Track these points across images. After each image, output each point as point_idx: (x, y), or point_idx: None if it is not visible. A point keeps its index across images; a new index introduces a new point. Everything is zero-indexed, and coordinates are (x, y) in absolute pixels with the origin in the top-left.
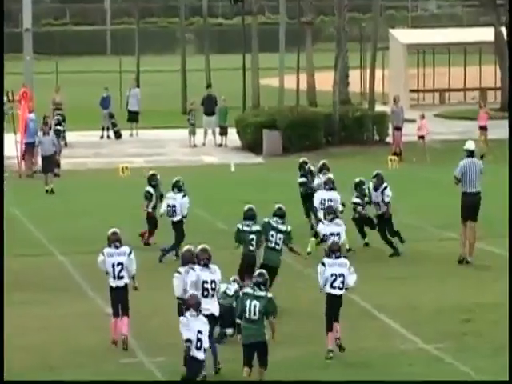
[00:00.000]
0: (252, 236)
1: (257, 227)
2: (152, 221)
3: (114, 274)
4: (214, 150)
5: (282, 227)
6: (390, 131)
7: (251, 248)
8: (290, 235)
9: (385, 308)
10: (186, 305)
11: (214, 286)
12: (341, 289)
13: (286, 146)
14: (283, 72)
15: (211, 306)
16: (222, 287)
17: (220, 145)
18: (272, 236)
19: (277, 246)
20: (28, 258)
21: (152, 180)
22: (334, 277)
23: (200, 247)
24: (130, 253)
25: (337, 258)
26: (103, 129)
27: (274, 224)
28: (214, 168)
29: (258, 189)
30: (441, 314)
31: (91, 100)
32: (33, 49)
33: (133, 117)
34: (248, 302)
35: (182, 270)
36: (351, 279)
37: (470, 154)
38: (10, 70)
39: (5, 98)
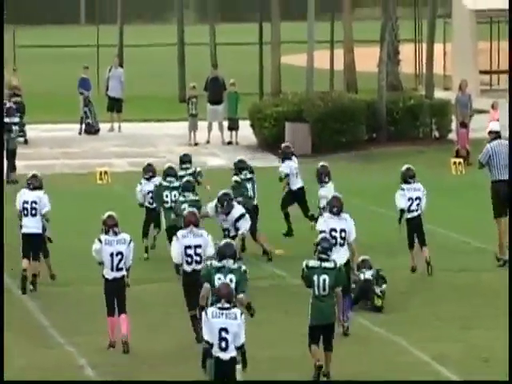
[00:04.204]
0: (185, 206)
1: (194, 197)
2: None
3: (112, 264)
4: (221, 150)
5: (176, 184)
6: (454, 126)
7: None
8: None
9: (446, 359)
10: (217, 295)
11: (343, 235)
12: (417, 210)
13: (316, 144)
14: (313, 47)
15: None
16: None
17: (229, 142)
18: (167, 196)
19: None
20: None
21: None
22: (410, 201)
23: (334, 195)
24: (131, 241)
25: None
26: (82, 121)
27: (167, 184)
28: (221, 173)
29: (280, 202)
30: None
31: (59, 83)
32: None
33: (114, 105)
34: (315, 277)
35: (178, 233)
36: (424, 202)
37: (496, 135)
38: None
39: None
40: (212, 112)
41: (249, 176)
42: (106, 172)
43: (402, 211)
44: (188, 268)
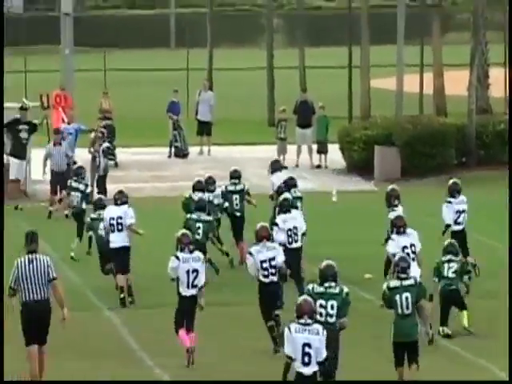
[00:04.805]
0: (199, 225)
1: (207, 217)
2: None
3: (188, 282)
4: (309, 173)
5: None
6: None
7: (197, 237)
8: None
9: None
10: (299, 312)
11: (413, 249)
12: (463, 223)
13: (406, 167)
14: (402, 71)
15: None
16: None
17: (318, 166)
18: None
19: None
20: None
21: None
22: (457, 214)
23: (397, 215)
24: (204, 259)
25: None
26: (171, 145)
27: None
28: (310, 197)
29: (369, 225)
30: None
31: (149, 106)
32: (74, 39)
33: (204, 129)
34: (398, 296)
35: (252, 249)
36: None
37: None
38: (45, 66)
39: (36, 104)
40: (301, 135)
41: (299, 194)
42: None
43: (448, 226)
44: (265, 280)
